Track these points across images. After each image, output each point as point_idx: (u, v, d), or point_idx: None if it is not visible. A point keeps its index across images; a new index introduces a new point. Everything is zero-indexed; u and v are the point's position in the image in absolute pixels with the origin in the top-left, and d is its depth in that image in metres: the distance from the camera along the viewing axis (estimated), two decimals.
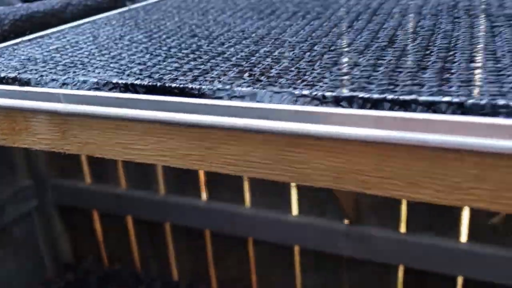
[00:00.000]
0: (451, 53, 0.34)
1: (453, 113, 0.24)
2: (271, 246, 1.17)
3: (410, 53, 0.35)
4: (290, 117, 0.28)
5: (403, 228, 1.01)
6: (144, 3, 0.67)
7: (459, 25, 0.41)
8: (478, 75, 0.29)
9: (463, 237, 0.96)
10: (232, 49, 0.41)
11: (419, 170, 0.25)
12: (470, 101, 0.24)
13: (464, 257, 0.97)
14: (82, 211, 1.37)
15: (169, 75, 0.35)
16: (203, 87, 0.32)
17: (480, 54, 0.33)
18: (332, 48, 0.39)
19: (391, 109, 0.26)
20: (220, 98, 0.31)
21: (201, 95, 0.31)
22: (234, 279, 1.27)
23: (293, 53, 0.38)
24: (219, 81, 0.32)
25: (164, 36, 0.48)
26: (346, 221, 1.05)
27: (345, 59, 0.35)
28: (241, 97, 0.30)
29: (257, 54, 0.39)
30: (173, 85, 0.32)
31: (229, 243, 1.23)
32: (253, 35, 0.45)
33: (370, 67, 0.32)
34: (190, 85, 0.32)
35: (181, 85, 0.32)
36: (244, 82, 0.32)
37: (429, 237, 0.98)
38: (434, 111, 0.25)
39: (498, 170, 0.23)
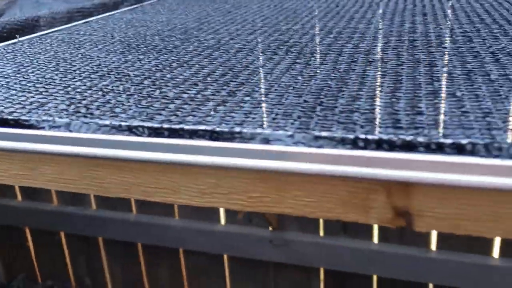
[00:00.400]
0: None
1: None
2: (202, 256, 1.20)
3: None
4: (94, 144, 0.35)
5: (321, 232, 1.07)
6: (33, 35, 0.70)
7: None
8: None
9: (375, 239, 1.02)
10: (78, 83, 0.47)
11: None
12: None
13: (376, 257, 1.03)
14: (14, 230, 1.36)
15: (10, 108, 0.40)
16: (32, 118, 0.36)
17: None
18: (157, 83, 0.44)
19: None
20: (43, 128, 0.36)
21: (30, 126, 0.36)
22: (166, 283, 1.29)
23: (123, 87, 0.45)
24: (47, 113, 0.39)
25: (30, 70, 0.50)
26: (270, 228, 1.09)
27: (169, 93, 0.40)
28: (58, 127, 0.36)
29: (95, 88, 0.45)
30: (9, 117, 0.37)
31: (161, 255, 1.25)
32: (105, 68, 0.50)
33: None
34: (22, 117, 0.37)
35: (16, 117, 0.37)
36: (66, 114, 0.37)
37: (344, 239, 1.03)
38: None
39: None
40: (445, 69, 0.43)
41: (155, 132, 0.34)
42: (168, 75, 0.47)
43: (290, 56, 0.51)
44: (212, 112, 0.36)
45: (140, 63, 0.53)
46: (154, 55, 0.55)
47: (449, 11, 0.69)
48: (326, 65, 0.47)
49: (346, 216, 0.31)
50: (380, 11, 0.73)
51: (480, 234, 0.28)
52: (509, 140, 0.28)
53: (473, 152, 0.28)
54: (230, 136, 0.33)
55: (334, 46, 0.55)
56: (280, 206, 0.31)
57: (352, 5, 0.81)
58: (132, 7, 0.98)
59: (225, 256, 1.30)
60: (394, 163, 0.29)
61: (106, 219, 1.28)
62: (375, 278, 1.14)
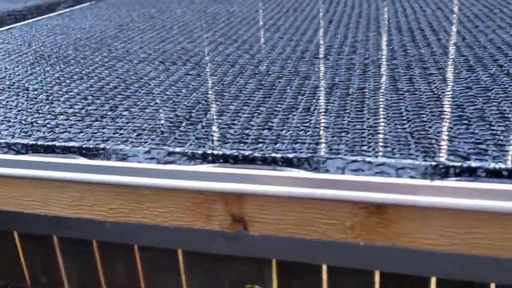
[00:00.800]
0: None
1: None
2: (157, 251, 1.24)
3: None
4: None
5: None
6: None
7: None
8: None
9: None
10: None
11: None
12: None
13: (325, 246, 1.09)
14: None
15: None
16: None
17: None
18: (51, 98, 0.47)
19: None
20: None
21: None
22: (123, 285, 1.32)
23: (17, 102, 0.47)
24: None
25: None
26: None
27: (56, 109, 0.43)
28: None
29: None
30: None
31: (116, 251, 1.28)
32: (8, 82, 0.54)
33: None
34: None
35: None
36: None
37: None
38: None
39: None
40: (315, 83, 0.47)
41: (32, 148, 0.37)
42: (65, 89, 0.50)
43: (187, 67, 0.55)
44: (86, 129, 0.39)
45: (44, 75, 0.55)
46: (60, 67, 0.58)
47: (353, 19, 0.74)
48: (215, 77, 0.51)
49: (194, 223, 0.34)
50: (291, 18, 0.77)
51: (300, 236, 0.32)
52: (323, 154, 0.32)
53: (298, 166, 0.32)
54: (95, 153, 0.36)
55: (232, 56, 0.58)
56: (137, 216, 0.35)
57: (271, 11, 0.85)
58: (63, 11, 0.99)
59: (179, 251, 1.35)
60: (229, 177, 0.32)
61: (60, 218, 1.30)
62: (324, 267, 1.20)
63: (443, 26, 0.66)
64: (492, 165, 0.30)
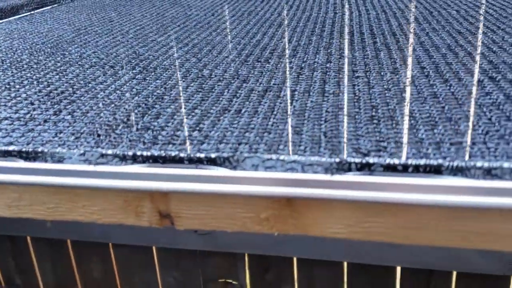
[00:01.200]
0: None
1: None
2: (132, 248, 1.25)
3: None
4: None
5: None
6: None
7: None
8: None
9: None
10: None
11: None
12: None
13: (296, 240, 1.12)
14: None
15: None
16: None
17: None
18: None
19: None
20: None
21: None
22: (98, 282, 1.33)
23: None
24: None
25: None
26: None
27: (1, 114, 0.44)
28: None
29: None
30: None
31: (91, 250, 1.29)
32: None
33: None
34: None
35: None
36: None
37: None
38: None
39: None
40: (252, 85, 0.50)
41: None
42: (13, 94, 0.52)
43: (134, 71, 0.57)
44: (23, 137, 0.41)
45: None
46: (12, 72, 0.59)
47: (301, 23, 0.77)
48: (159, 81, 0.53)
49: (127, 220, 0.37)
50: (244, 22, 0.80)
51: (222, 229, 0.35)
52: (244, 154, 0.35)
53: (220, 164, 0.35)
54: (34, 156, 0.38)
55: (180, 59, 0.61)
56: (72, 214, 0.37)
57: (226, 14, 0.88)
58: (24, 15, 1.00)
59: (154, 248, 1.36)
60: (155, 176, 0.35)
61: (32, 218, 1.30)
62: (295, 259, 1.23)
63: (382, 29, 0.69)
64: (387, 161, 0.33)
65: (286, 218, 0.34)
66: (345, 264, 1.24)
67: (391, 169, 0.33)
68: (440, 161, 0.32)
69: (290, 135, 0.39)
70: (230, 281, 1.27)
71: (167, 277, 1.34)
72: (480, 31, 0.66)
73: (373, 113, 0.41)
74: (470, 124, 0.38)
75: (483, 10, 0.78)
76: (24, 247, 1.37)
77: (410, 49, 0.59)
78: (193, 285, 1.33)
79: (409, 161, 0.33)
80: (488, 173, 0.32)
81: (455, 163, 0.32)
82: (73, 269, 1.36)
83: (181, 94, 0.49)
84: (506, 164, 0.31)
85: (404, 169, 0.33)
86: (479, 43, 0.60)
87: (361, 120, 0.40)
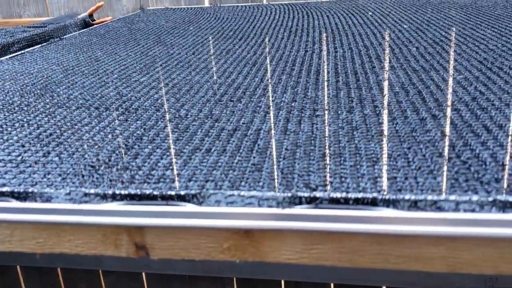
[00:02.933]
0: None
1: None
2: (120, 275, 1.29)
3: None
4: None
5: None
6: None
7: None
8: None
9: None
10: None
11: None
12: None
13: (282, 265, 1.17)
14: None
15: None
16: None
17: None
18: None
19: None
20: None
21: None
22: None
23: None
24: None
25: None
26: None
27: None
28: None
29: None
30: None
31: (80, 276, 1.33)
32: None
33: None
34: None
35: None
36: None
37: None
38: None
39: None
40: (223, 125, 0.56)
41: None
42: (5, 137, 0.57)
43: (117, 112, 0.63)
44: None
45: None
46: (4, 115, 0.65)
47: (274, 61, 0.84)
48: (139, 122, 0.59)
49: (106, 251, 0.42)
50: (222, 61, 0.87)
51: (190, 257, 0.40)
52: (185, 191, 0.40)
53: (189, 201, 0.40)
54: (25, 196, 0.43)
55: (160, 100, 0.66)
56: (60, 247, 0.42)
57: (206, 53, 0.94)
58: (15, 54, 1.05)
59: (143, 274, 1.41)
60: (132, 213, 0.40)
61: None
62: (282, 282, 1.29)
63: (345, 68, 0.76)
64: (331, 195, 0.38)
65: (245, 247, 0.39)
66: (332, 285, 1.29)
67: (335, 201, 0.39)
68: (375, 194, 0.38)
69: (251, 172, 0.44)
70: None
71: None
72: (434, 68, 0.73)
73: (325, 151, 0.46)
74: (406, 160, 0.44)
75: (440, 48, 0.85)
76: (14, 276, 1.40)
77: (364, 88, 0.65)
78: None
79: (350, 195, 0.38)
80: (415, 204, 0.37)
81: (387, 196, 0.38)
82: (59, 281, 1.39)
83: (158, 135, 0.54)
84: (429, 197, 0.37)
85: (345, 202, 0.38)
86: (430, 81, 0.66)
87: (315, 157, 0.46)
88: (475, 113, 0.53)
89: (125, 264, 1.30)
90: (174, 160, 0.48)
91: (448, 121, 0.52)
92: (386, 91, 0.64)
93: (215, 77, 0.75)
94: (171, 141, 0.53)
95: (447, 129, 0.50)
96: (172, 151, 0.50)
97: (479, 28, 1.01)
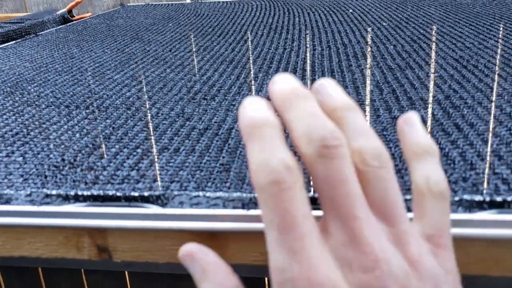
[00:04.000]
0: None
1: None
2: (103, 274, 1.28)
3: None
4: None
5: None
6: None
7: None
8: None
9: None
10: None
11: None
12: None
13: None
14: None
15: None
16: None
17: None
18: None
19: None
20: None
21: None
22: None
23: None
24: None
25: None
26: None
27: None
28: None
29: None
30: None
31: (62, 276, 1.32)
32: None
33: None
34: None
35: None
36: None
37: None
38: None
39: None
40: (194, 124, 0.55)
41: None
42: None
43: (88, 111, 0.61)
44: None
45: None
46: None
47: (252, 59, 0.83)
48: (108, 120, 0.57)
49: (68, 254, 0.40)
50: (199, 58, 0.85)
51: (155, 260, 0.39)
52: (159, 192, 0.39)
53: (152, 202, 0.39)
54: None
55: (132, 98, 0.65)
56: (19, 251, 0.41)
57: (183, 50, 0.93)
58: None
59: (126, 273, 1.40)
60: (94, 215, 0.39)
61: None
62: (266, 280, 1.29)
63: (322, 66, 0.75)
64: None
65: (210, 249, 0.38)
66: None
67: None
68: None
69: (219, 172, 0.43)
70: None
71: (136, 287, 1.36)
72: (409, 66, 0.72)
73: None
74: None
75: (418, 45, 0.85)
76: None
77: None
78: None
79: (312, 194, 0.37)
80: None
81: None
82: (40, 281, 1.37)
83: (127, 134, 0.53)
84: None
85: (313, 203, 0.38)
86: (405, 79, 0.66)
87: None
88: (447, 112, 0.53)
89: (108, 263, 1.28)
90: (140, 160, 0.47)
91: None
92: (368, 88, 0.63)
93: (190, 75, 0.74)
94: (139, 140, 0.51)
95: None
96: (139, 151, 0.49)
97: (457, 25, 1.01)
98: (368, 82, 0.66)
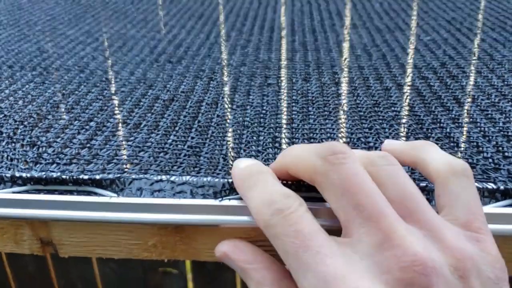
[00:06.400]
0: None
1: None
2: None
3: None
4: None
5: None
6: None
7: None
8: None
9: None
10: None
11: None
12: None
13: None
14: None
15: None
16: None
17: None
18: None
19: None
20: None
21: None
22: (33, 276, 1.29)
23: None
24: None
25: None
26: None
27: None
28: None
29: None
30: None
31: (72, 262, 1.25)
32: None
33: None
34: None
35: None
36: None
37: None
38: None
39: None
40: (158, 93, 0.48)
41: None
42: None
43: (34, 73, 0.53)
44: None
45: None
46: None
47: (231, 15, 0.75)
48: (58, 85, 0.49)
49: (5, 248, 0.34)
50: (164, 11, 0.77)
51: (108, 256, 0.33)
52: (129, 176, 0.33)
53: (106, 187, 0.33)
54: None
55: (86, 59, 0.56)
56: None
57: (147, 2, 0.83)
58: None
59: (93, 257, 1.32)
60: (36, 203, 0.32)
61: None
62: None
63: (303, 24, 0.68)
64: None
65: (175, 244, 0.32)
66: None
67: None
68: None
69: (188, 156, 0.37)
70: (170, 269, 1.26)
71: (104, 268, 1.30)
72: (398, 27, 0.66)
73: (276, 133, 0.39)
74: (367, 144, 0.38)
75: (405, 4, 0.79)
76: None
77: (324, 50, 0.58)
78: (132, 276, 1.30)
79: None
80: None
81: None
82: (3, 264, 1.30)
83: (79, 103, 0.45)
84: None
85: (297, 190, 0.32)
86: (395, 42, 0.60)
87: (264, 139, 0.39)
88: (444, 82, 0.48)
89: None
90: (93, 136, 0.40)
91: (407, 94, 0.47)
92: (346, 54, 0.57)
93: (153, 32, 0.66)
94: (92, 111, 0.44)
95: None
96: (92, 124, 0.41)
97: None
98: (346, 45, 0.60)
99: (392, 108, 0.43)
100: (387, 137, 0.38)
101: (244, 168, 0.30)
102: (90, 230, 0.33)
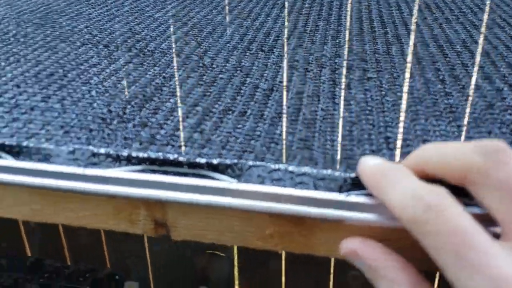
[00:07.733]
0: None
1: None
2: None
3: None
4: None
5: None
6: None
7: None
8: None
9: None
10: None
11: None
12: None
13: None
14: None
15: None
16: None
17: None
18: None
19: None
20: None
21: None
22: (86, 249, 1.34)
23: None
24: None
25: None
26: None
27: None
28: None
29: None
30: None
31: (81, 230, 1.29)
32: None
33: None
34: None
35: None
36: None
37: None
38: None
39: None
40: (256, 81, 0.47)
41: None
42: None
43: (131, 54, 0.53)
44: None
45: None
46: None
47: (307, 4, 0.73)
48: (157, 68, 0.50)
49: (119, 227, 0.34)
50: None
51: (222, 242, 0.33)
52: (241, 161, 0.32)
53: (222, 172, 0.33)
54: (18, 150, 0.35)
55: (179, 43, 0.57)
56: (59, 217, 0.35)
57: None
58: None
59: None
60: (152, 184, 0.32)
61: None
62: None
63: (392, 16, 0.66)
64: None
65: (293, 236, 0.32)
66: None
67: None
68: None
69: (299, 149, 0.36)
70: (218, 252, 1.27)
71: (155, 246, 1.33)
72: (496, 24, 0.63)
73: (388, 133, 0.38)
74: None
75: None
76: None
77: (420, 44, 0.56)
78: (181, 256, 1.32)
79: None
80: None
81: None
82: (60, 236, 1.35)
83: (181, 87, 0.45)
84: None
85: None
86: (495, 39, 0.57)
87: (377, 138, 0.37)
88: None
89: None
90: (202, 121, 0.39)
91: None
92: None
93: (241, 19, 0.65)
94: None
95: None
96: (199, 109, 0.41)
97: None
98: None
99: (509, 111, 0.40)
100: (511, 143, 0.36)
101: (377, 164, 0.28)
102: (206, 214, 0.33)
